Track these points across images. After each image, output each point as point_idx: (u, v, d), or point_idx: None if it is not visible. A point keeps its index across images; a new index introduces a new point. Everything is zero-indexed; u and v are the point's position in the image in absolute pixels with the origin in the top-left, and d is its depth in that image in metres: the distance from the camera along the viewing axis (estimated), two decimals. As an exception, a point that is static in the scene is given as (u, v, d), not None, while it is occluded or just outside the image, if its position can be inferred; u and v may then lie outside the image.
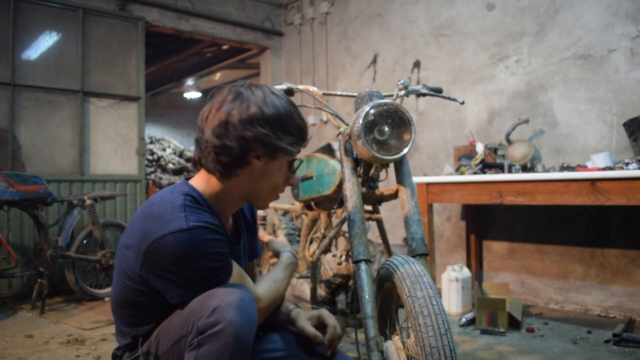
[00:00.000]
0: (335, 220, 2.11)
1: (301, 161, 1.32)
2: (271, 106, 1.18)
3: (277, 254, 1.58)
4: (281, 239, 1.57)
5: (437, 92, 1.94)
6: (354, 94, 1.77)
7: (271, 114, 1.17)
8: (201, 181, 1.23)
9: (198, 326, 1.04)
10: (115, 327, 1.30)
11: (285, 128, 1.19)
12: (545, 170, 2.97)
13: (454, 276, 3.06)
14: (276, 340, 1.37)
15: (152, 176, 7.78)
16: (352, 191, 1.53)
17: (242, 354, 1.03)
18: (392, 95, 1.82)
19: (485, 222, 3.63)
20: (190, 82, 8.87)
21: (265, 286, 1.32)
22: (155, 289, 1.14)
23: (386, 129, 1.46)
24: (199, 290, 1.11)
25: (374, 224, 1.90)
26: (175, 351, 1.11)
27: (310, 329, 1.37)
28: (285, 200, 4.98)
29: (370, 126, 1.45)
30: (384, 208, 3.96)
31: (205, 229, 1.11)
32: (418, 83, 4.03)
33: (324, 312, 1.44)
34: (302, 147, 1.26)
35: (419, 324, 1.14)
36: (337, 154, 2.05)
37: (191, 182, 1.24)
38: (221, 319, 1.02)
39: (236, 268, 1.22)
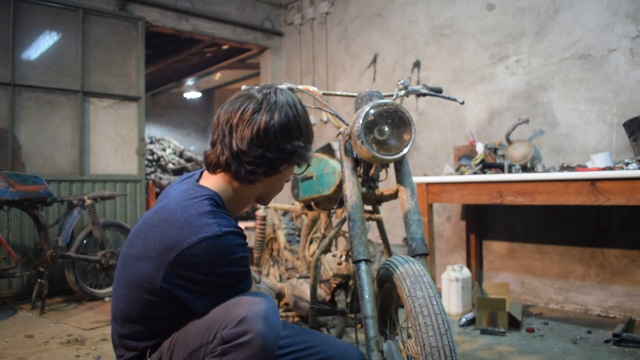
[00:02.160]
0: (335, 220, 2.11)
1: (308, 165, 1.32)
2: (302, 115, 1.21)
3: None
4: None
5: (437, 92, 1.94)
6: (354, 94, 1.78)
7: (303, 124, 1.21)
8: (219, 184, 1.19)
9: (223, 335, 1.02)
10: (115, 341, 1.23)
11: (309, 137, 1.24)
12: (545, 170, 2.97)
13: (454, 276, 3.06)
14: (303, 340, 1.32)
15: (152, 176, 7.78)
16: (352, 191, 1.53)
17: None
18: (392, 95, 1.82)
19: (485, 222, 3.63)
20: (190, 82, 8.87)
21: None
22: (177, 300, 1.11)
23: (386, 129, 1.46)
24: (226, 297, 1.09)
25: (374, 224, 1.90)
26: None
27: None
28: (285, 200, 4.99)
29: (370, 126, 1.45)
30: (384, 208, 3.96)
31: (235, 233, 1.10)
32: (418, 83, 4.03)
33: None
34: None
35: (419, 324, 1.14)
36: (337, 154, 2.05)
37: (205, 184, 1.20)
38: (249, 330, 1.01)
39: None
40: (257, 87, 1.23)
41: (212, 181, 1.20)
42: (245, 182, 1.19)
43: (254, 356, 1.00)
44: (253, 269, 2.88)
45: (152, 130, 10.13)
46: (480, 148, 3.37)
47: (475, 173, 3.08)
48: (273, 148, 1.15)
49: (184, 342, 1.11)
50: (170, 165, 8.22)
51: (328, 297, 2.01)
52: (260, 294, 1.13)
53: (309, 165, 1.29)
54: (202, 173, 1.26)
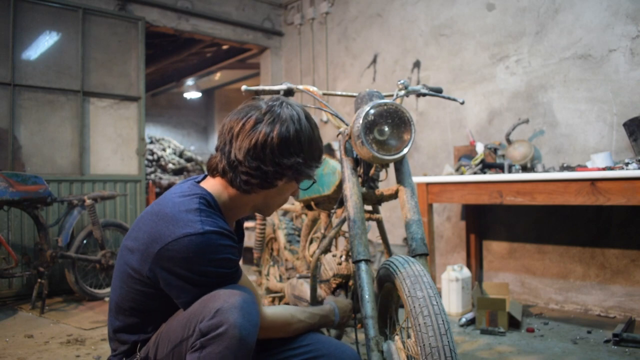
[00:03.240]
0: (335, 220, 2.11)
1: (314, 181, 1.32)
2: (306, 131, 1.18)
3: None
4: (340, 299, 1.65)
5: (437, 92, 1.94)
6: (354, 94, 1.77)
7: (305, 140, 1.18)
8: (216, 187, 1.21)
9: (200, 328, 1.03)
10: (110, 334, 1.26)
11: (313, 155, 1.21)
12: (545, 170, 2.97)
13: (454, 276, 3.06)
14: (295, 339, 1.34)
15: (152, 176, 7.78)
16: (352, 191, 1.53)
17: (246, 355, 1.03)
18: (392, 95, 1.82)
19: (485, 222, 3.63)
20: (190, 82, 8.87)
21: (276, 312, 1.30)
22: (165, 293, 1.13)
23: (386, 129, 1.46)
24: None
25: (374, 224, 1.90)
26: (176, 354, 1.10)
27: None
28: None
29: (370, 126, 1.45)
30: (384, 208, 3.96)
31: (220, 234, 1.10)
32: (418, 83, 4.03)
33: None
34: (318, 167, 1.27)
35: (419, 324, 1.14)
36: (337, 154, 2.05)
37: (203, 185, 1.22)
38: (224, 321, 1.02)
39: (244, 277, 1.22)
40: (266, 97, 1.24)
41: (210, 184, 1.23)
42: (240, 190, 1.19)
43: (231, 347, 1.01)
44: (253, 269, 2.88)
45: (152, 130, 10.13)
46: (480, 148, 3.37)
47: (475, 173, 3.08)
48: (269, 162, 1.15)
49: (167, 336, 1.13)
50: (170, 165, 8.22)
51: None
52: (238, 286, 1.14)
53: (314, 182, 1.29)
54: (206, 176, 1.29)
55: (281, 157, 1.15)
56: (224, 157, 1.17)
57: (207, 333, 1.02)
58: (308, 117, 1.22)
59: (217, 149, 1.22)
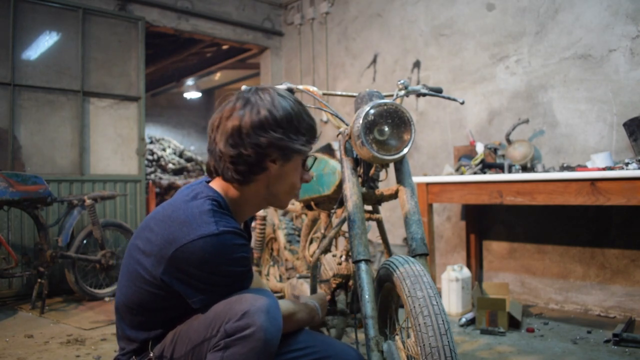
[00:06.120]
0: (335, 220, 2.11)
1: (315, 158, 1.32)
2: (280, 108, 1.18)
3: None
4: (316, 295, 1.65)
5: (437, 92, 1.94)
6: (354, 94, 1.77)
7: (282, 116, 1.17)
8: (222, 186, 1.23)
9: (226, 329, 1.04)
10: (119, 332, 1.26)
11: (296, 129, 1.20)
12: (545, 170, 2.97)
13: (454, 276, 3.06)
14: (301, 340, 1.34)
15: (152, 176, 7.78)
16: (352, 191, 1.53)
17: (268, 358, 1.05)
18: (392, 95, 1.82)
19: (485, 222, 3.63)
20: (190, 82, 8.87)
21: (280, 304, 1.31)
22: (176, 294, 1.13)
23: (386, 129, 1.46)
24: (222, 295, 1.11)
25: (374, 224, 1.90)
26: (196, 354, 1.10)
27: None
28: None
29: (370, 126, 1.45)
30: (384, 208, 3.95)
31: (234, 234, 1.11)
32: (418, 83, 4.03)
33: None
34: (314, 144, 1.26)
35: (419, 324, 1.14)
36: (337, 154, 2.05)
37: (212, 186, 1.24)
38: (251, 323, 1.03)
39: (256, 276, 1.23)
40: (243, 87, 1.28)
41: (217, 184, 1.24)
42: (236, 183, 1.20)
43: (256, 349, 1.02)
44: (254, 269, 2.89)
45: (152, 130, 10.12)
46: (480, 148, 3.37)
47: (475, 173, 3.08)
48: (248, 145, 1.15)
49: (187, 336, 1.13)
50: (170, 165, 8.22)
51: (328, 297, 2.01)
52: (261, 290, 1.15)
53: (315, 159, 1.28)
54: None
55: (257, 137, 1.15)
56: (211, 156, 1.21)
57: (233, 334, 1.03)
58: (285, 96, 1.22)
59: (208, 151, 1.23)
